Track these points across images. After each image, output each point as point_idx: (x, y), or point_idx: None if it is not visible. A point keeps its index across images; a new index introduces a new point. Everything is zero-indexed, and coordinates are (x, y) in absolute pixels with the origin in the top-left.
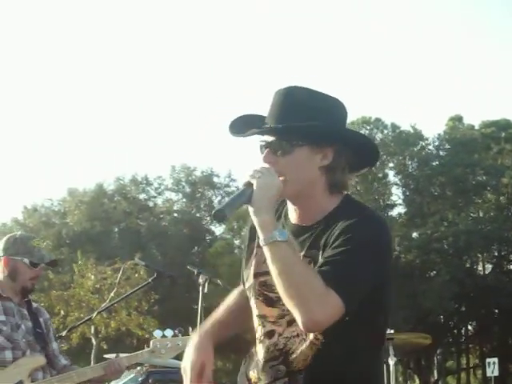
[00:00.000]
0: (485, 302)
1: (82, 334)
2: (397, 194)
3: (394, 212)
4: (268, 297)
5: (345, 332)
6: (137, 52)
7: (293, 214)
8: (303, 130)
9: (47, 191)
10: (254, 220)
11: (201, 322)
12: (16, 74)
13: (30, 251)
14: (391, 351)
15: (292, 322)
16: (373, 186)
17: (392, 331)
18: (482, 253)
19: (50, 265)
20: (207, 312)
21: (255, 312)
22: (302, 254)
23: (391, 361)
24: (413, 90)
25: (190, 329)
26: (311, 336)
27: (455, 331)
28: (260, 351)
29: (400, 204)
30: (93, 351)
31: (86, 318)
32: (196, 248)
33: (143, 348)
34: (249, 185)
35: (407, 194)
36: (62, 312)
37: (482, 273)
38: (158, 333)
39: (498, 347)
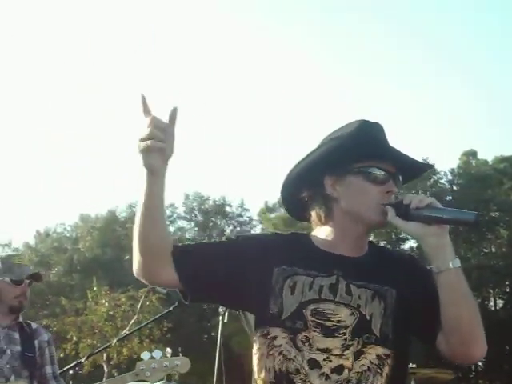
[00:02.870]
0: (496, 337)
1: (93, 361)
2: None
3: (406, 246)
4: (325, 326)
5: (405, 365)
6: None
7: (336, 243)
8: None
9: (60, 216)
10: (439, 242)
11: (220, 349)
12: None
13: (11, 269)
14: None
15: (359, 354)
16: None
17: (414, 365)
18: (494, 288)
19: (32, 279)
20: (225, 341)
21: (315, 345)
22: (358, 283)
23: None
24: (426, 123)
25: (180, 349)
26: (387, 370)
27: (465, 367)
28: None
29: (412, 238)
30: (104, 378)
31: (106, 345)
32: None
33: None
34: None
35: None
36: (75, 338)
37: (493, 308)
38: (145, 355)
39: None
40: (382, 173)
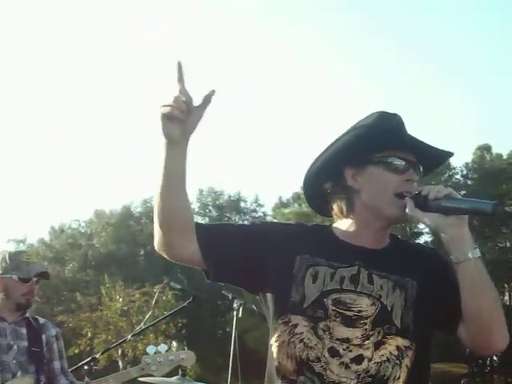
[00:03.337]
0: (510, 332)
1: (108, 357)
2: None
3: (421, 240)
4: (346, 316)
5: (426, 357)
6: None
7: (357, 235)
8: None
9: (75, 212)
10: (458, 232)
11: (235, 345)
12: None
13: (19, 267)
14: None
15: (380, 345)
16: None
17: None
18: (509, 283)
19: (40, 277)
20: (240, 336)
21: (335, 335)
22: (380, 274)
23: None
24: (441, 118)
25: (185, 343)
26: (407, 361)
27: (480, 361)
28: (345, 378)
29: (427, 233)
30: None
31: (121, 340)
32: None
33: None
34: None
35: None
36: (90, 334)
37: (508, 303)
38: (150, 348)
39: None
40: (403, 162)
